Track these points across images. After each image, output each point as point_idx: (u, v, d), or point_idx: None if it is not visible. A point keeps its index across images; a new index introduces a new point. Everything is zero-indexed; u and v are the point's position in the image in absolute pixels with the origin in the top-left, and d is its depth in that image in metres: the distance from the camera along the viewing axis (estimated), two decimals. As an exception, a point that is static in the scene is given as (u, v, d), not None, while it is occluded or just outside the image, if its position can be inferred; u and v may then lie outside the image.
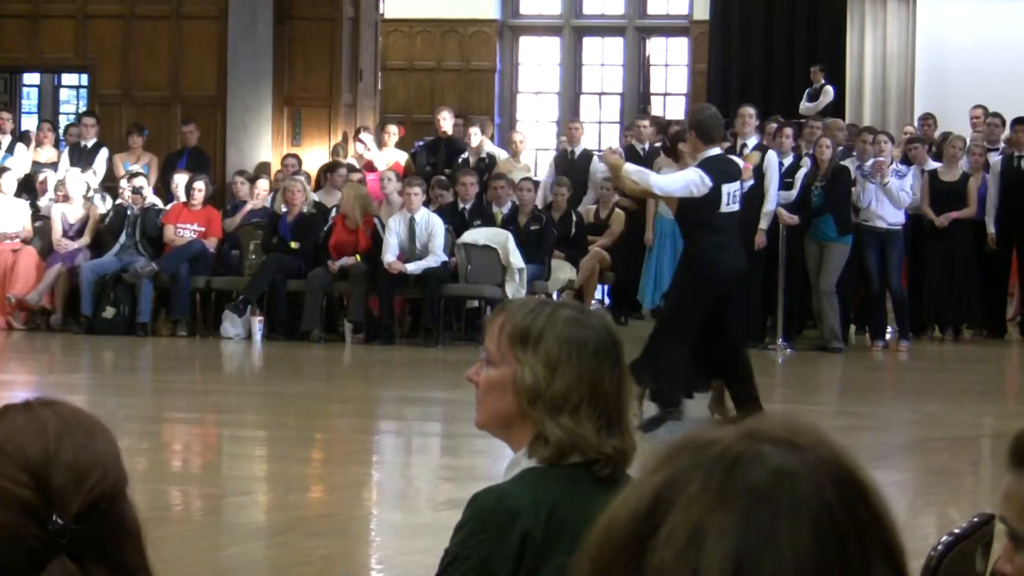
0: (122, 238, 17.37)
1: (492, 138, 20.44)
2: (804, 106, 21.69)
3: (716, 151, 11.71)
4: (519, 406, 3.07)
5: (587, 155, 18.38)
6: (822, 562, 1.47)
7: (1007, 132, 18.23)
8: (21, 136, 19.52)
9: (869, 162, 16.37)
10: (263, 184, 18.06)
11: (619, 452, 3.05)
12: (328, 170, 18.24)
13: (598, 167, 17.99)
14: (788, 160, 16.54)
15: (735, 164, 12.36)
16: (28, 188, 18.38)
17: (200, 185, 17.19)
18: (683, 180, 11.49)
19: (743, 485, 1.49)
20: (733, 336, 11.76)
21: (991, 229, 16.88)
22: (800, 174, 16.46)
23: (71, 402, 2.16)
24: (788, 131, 16.83)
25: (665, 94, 25.63)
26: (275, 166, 19.02)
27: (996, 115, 18.73)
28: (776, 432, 1.54)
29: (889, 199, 16.09)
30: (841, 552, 1.48)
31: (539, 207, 16.62)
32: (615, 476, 2.98)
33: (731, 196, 11.54)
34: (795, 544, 1.47)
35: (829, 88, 22.04)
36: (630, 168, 12.00)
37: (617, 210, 17.72)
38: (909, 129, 19.91)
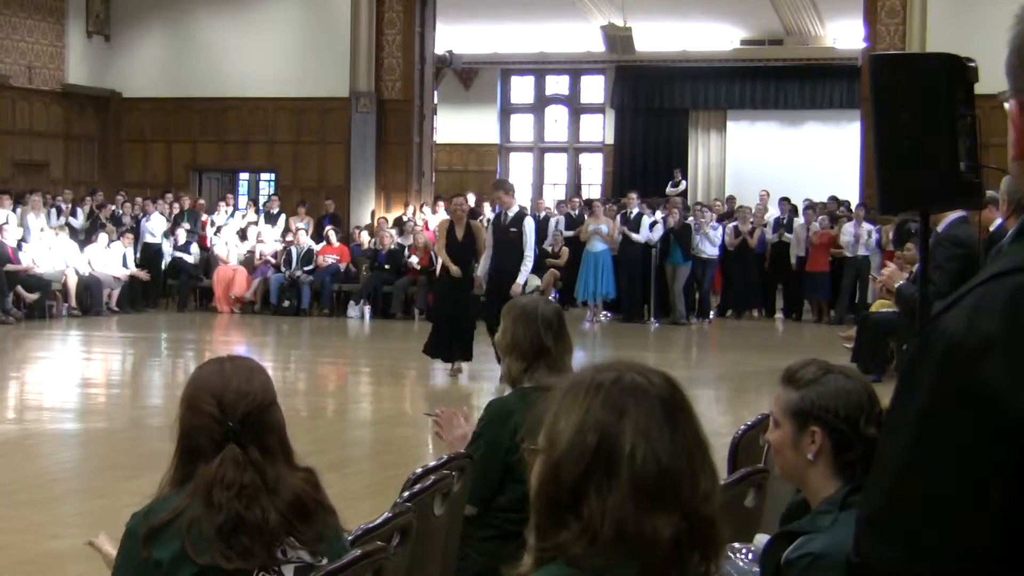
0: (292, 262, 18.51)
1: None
2: (669, 190, 23.99)
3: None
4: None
5: (548, 216, 19.24)
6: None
7: (775, 206, 19.39)
8: (236, 209, 20.50)
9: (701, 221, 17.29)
10: (364, 236, 19.19)
11: (543, 384, 3.65)
12: (403, 223, 19.33)
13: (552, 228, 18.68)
14: (647, 217, 17.82)
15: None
16: (242, 236, 19.49)
17: (333, 233, 19.02)
18: (531, 231, 11.97)
19: (672, 405, 1.64)
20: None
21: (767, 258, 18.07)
22: (651, 225, 17.71)
23: (243, 355, 2.81)
24: (634, 198, 18.12)
25: (589, 184, 28.84)
26: (375, 224, 19.74)
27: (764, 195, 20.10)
28: (639, 366, 1.67)
29: (708, 241, 18.08)
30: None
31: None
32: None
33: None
34: (692, 430, 1.63)
35: (683, 181, 24.89)
36: (520, 281, 11.93)
37: (564, 248, 18.58)
38: (717, 203, 21.00)
